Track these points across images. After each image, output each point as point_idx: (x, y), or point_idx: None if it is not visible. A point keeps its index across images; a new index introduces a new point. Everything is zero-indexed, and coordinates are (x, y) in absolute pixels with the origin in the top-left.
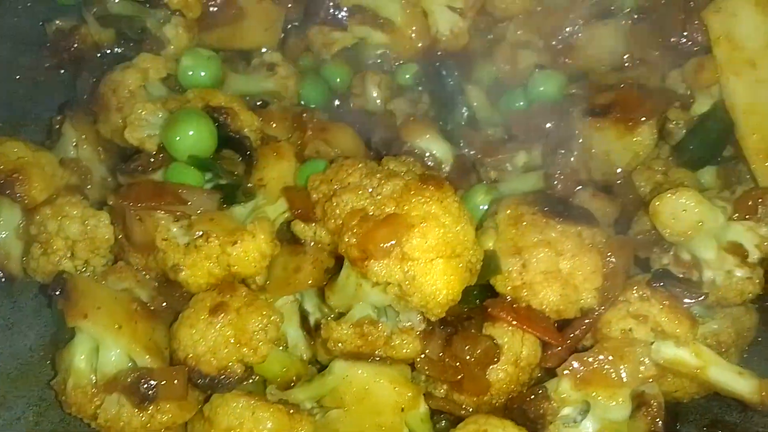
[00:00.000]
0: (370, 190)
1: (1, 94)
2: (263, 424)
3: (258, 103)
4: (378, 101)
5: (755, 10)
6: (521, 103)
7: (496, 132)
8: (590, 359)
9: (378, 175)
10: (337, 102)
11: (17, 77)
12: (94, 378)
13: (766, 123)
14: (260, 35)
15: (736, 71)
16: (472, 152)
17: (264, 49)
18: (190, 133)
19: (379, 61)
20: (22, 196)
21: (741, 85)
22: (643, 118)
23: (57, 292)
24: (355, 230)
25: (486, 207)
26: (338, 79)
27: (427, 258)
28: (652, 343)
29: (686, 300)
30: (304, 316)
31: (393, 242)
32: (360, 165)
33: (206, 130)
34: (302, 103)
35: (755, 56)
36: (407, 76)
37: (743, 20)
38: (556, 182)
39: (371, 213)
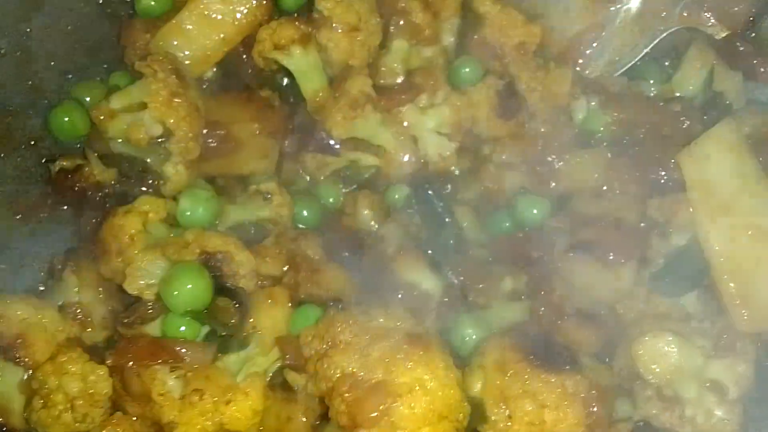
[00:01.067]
0: (360, 350)
1: (3, 232)
2: None
3: (252, 232)
4: (370, 221)
5: (727, 156)
6: (507, 225)
7: (484, 254)
8: None
9: (368, 336)
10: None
11: (18, 216)
12: None
13: (740, 269)
14: (256, 164)
15: (710, 216)
16: (460, 278)
17: (260, 177)
18: (188, 287)
19: (370, 180)
20: (25, 359)
21: (715, 231)
22: (622, 260)
23: None
24: (345, 396)
25: (473, 339)
26: (331, 199)
27: (415, 427)
28: None
29: None
30: None
31: (381, 409)
32: (351, 322)
33: (203, 284)
34: (298, 226)
35: (729, 201)
36: (397, 197)
37: (716, 164)
38: (541, 316)
39: (360, 377)
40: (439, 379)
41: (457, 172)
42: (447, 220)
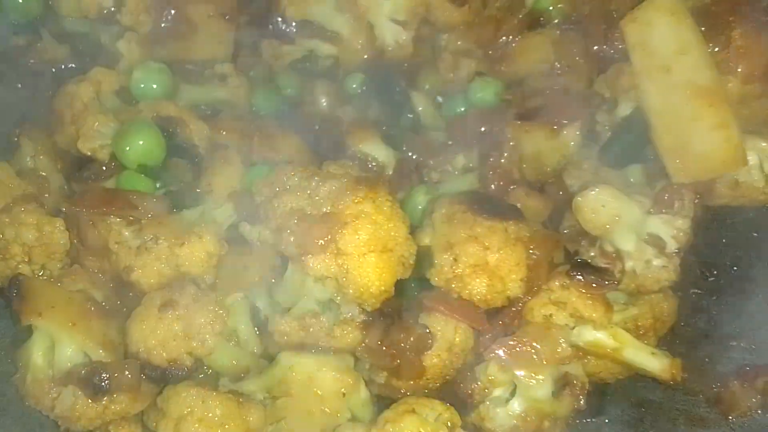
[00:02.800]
0: (309, 191)
1: None
2: (213, 411)
3: (209, 113)
4: (327, 108)
5: (669, 19)
6: (462, 109)
7: (439, 136)
8: (513, 343)
9: (316, 178)
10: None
11: None
12: (51, 372)
13: (676, 124)
14: (212, 48)
15: (650, 76)
16: (415, 156)
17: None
18: (140, 143)
19: (327, 70)
20: None
21: (655, 89)
22: (566, 121)
23: (13, 293)
24: (293, 228)
25: (424, 206)
26: (289, 89)
27: (360, 252)
28: (573, 328)
29: (600, 286)
30: (255, 313)
31: (327, 238)
32: (300, 169)
33: (155, 140)
34: (254, 110)
35: (668, 62)
36: (354, 85)
37: (657, 28)
38: (489, 182)
39: (308, 212)
40: (384, 213)
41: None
42: (404, 106)
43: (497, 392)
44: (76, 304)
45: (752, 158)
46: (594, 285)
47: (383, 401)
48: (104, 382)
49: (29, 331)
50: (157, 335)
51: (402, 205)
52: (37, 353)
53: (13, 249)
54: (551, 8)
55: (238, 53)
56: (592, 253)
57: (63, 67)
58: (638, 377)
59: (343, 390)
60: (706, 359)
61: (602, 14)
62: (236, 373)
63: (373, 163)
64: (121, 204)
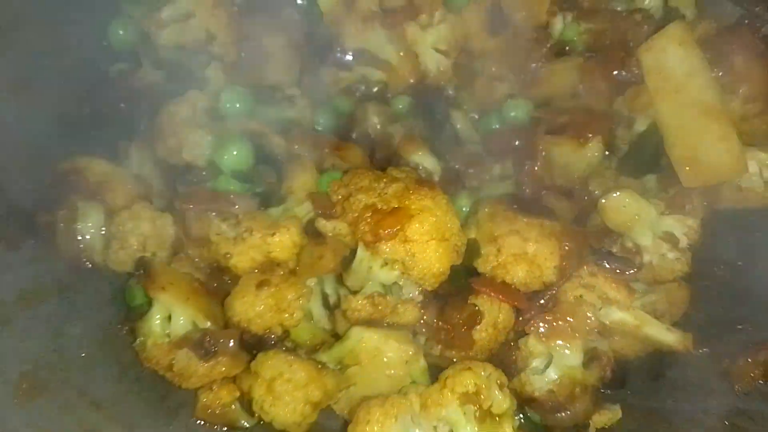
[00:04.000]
0: (379, 191)
1: (74, 126)
2: (298, 374)
3: (279, 129)
4: (378, 126)
5: (678, 48)
6: (496, 126)
7: (477, 149)
8: (550, 318)
9: (384, 180)
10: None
11: (86, 111)
12: (168, 339)
13: (686, 137)
14: (282, 74)
15: (663, 96)
16: (457, 165)
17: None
18: (234, 152)
19: (378, 93)
20: (107, 201)
21: (667, 108)
22: (590, 135)
23: (141, 271)
24: (368, 220)
25: (468, 209)
26: (345, 109)
27: (424, 240)
28: (600, 309)
29: (623, 273)
30: (325, 298)
31: (397, 228)
32: (369, 173)
33: (246, 149)
34: (317, 128)
35: (680, 84)
36: (401, 106)
37: (669, 56)
38: (525, 187)
39: (380, 207)
40: (442, 209)
41: (453, 87)
42: (446, 123)
43: (536, 362)
44: (187, 282)
45: (753, 167)
46: (618, 271)
47: (439, 371)
48: (212, 345)
49: (146, 306)
50: (256, 308)
51: None
52: (156, 322)
53: (131, 239)
54: (576, 38)
55: (302, 78)
56: (615, 249)
57: (159, 90)
58: (657, 355)
59: (405, 358)
60: (716, 341)
61: (620, 44)
62: (312, 347)
63: (423, 171)
64: (221, 202)
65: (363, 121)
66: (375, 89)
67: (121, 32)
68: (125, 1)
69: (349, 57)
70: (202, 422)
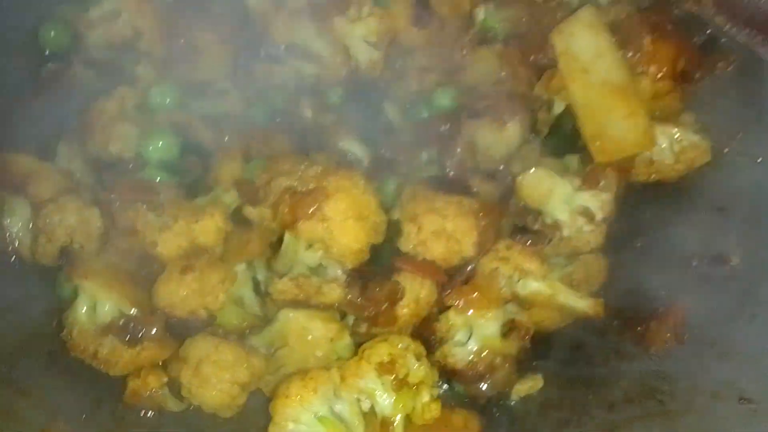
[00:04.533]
0: (299, 174)
1: (4, 122)
2: (225, 356)
3: (210, 123)
4: (311, 117)
5: (587, 31)
6: (425, 114)
7: (408, 137)
8: (466, 289)
9: (305, 163)
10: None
11: (17, 110)
12: (93, 326)
13: (596, 115)
14: (213, 69)
15: (573, 78)
16: (387, 154)
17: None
18: (159, 143)
19: (311, 86)
20: (32, 195)
21: (577, 87)
22: (508, 117)
23: (65, 260)
24: (287, 200)
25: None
26: (280, 102)
27: (341, 218)
28: (518, 281)
29: (535, 245)
30: (257, 285)
31: (315, 207)
32: (291, 158)
33: (171, 140)
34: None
35: (587, 65)
36: (334, 98)
37: (577, 38)
38: (449, 170)
39: (299, 189)
40: (359, 188)
41: (384, 78)
42: (378, 114)
43: (457, 335)
44: (112, 270)
45: (663, 141)
46: (529, 243)
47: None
48: (137, 331)
49: (73, 296)
50: (179, 293)
51: (377, 192)
52: (81, 311)
53: (58, 232)
54: (497, 26)
55: (235, 73)
56: (536, 226)
57: (91, 87)
58: (576, 326)
59: (330, 336)
60: (632, 309)
61: (537, 30)
62: (242, 331)
63: (351, 157)
64: (146, 191)
65: (296, 114)
66: (308, 82)
67: (52, 33)
68: (55, 2)
69: (280, 51)
70: (130, 408)
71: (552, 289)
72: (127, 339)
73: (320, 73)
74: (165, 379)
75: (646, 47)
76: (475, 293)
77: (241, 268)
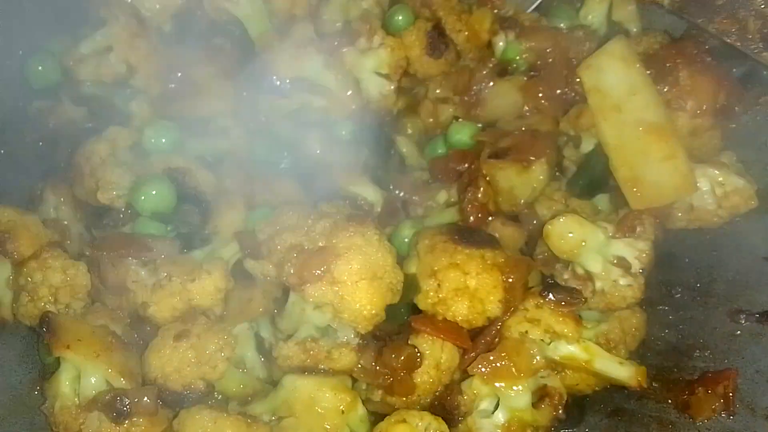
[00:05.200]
0: (305, 228)
1: None
2: (224, 431)
3: (213, 162)
4: (320, 154)
5: (618, 65)
6: (441, 150)
7: (422, 175)
8: (493, 357)
9: (312, 217)
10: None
11: (1, 151)
12: (77, 400)
13: (630, 157)
14: (214, 105)
15: (605, 116)
16: (402, 194)
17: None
18: (153, 192)
19: (319, 120)
20: (12, 253)
21: (609, 127)
22: (533, 158)
23: (44, 329)
24: (293, 261)
25: (410, 239)
26: (284, 138)
27: (353, 280)
28: (549, 344)
29: (570, 304)
30: (260, 342)
31: (323, 269)
32: (298, 209)
33: (166, 189)
34: (254, 158)
35: (620, 102)
36: (344, 133)
37: (608, 73)
38: (469, 214)
39: (306, 247)
40: (372, 245)
41: (396, 111)
42: (390, 150)
43: (482, 405)
44: (99, 337)
45: (704, 185)
46: (563, 303)
47: (380, 418)
48: (126, 406)
49: (56, 364)
50: (173, 363)
51: (390, 238)
52: (64, 383)
53: (41, 291)
54: (518, 58)
55: (238, 107)
56: (566, 276)
57: (81, 127)
58: (613, 389)
59: (342, 408)
60: (674, 369)
61: (563, 62)
62: (244, 397)
63: (363, 202)
64: (138, 247)
65: (304, 150)
66: (316, 116)
67: (39, 68)
68: (43, 36)
69: (286, 84)
70: None
71: (588, 354)
72: (114, 415)
73: (328, 107)
74: None
75: (682, 81)
76: (504, 362)
77: (243, 325)
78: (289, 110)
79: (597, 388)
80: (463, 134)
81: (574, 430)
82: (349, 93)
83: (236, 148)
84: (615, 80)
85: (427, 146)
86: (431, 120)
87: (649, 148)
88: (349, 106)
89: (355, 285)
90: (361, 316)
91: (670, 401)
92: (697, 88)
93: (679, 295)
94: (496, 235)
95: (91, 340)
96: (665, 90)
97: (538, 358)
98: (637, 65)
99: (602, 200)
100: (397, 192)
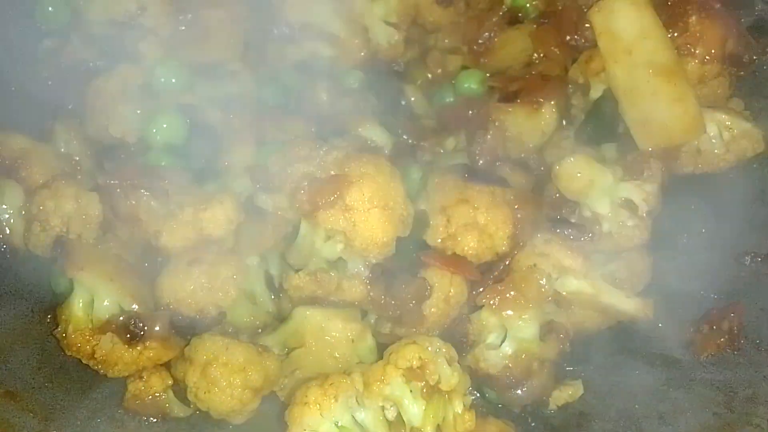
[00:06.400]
0: (318, 159)
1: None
2: (236, 357)
3: (220, 104)
4: (327, 102)
5: (629, 7)
6: (450, 98)
7: (431, 123)
8: (502, 288)
9: (324, 148)
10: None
11: (12, 88)
12: (90, 323)
13: (641, 100)
14: (223, 49)
15: (615, 59)
16: (410, 140)
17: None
18: (164, 126)
19: (327, 68)
20: (25, 179)
21: (620, 70)
22: (542, 100)
23: (59, 251)
24: (305, 189)
25: (419, 181)
26: (293, 85)
27: (365, 208)
28: (557, 279)
29: (577, 239)
30: (269, 279)
31: (336, 195)
32: (309, 142)
33: (178, 122)
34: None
35: (630, 45)
36: (352, 81)
37: (619, 16)
38: (478, 158)
39: (318, 175)
40: (384, 175)
41: (405, 60)
42: (399, 98)
43: (490, 337)
44: (112, 262)
45: (712, 129)
46: (572, 237)
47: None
48: (139, 329)
49: (68, 291)
50: (186, 288)
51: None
52: (77, 306)
53: (53, 220)
54: (528, 5)
55: (246, 54)
56: (573, 219)
57: (91, 65)
58: (619, 329)
59: (351, 337)
60: (679, 309)
61: (573, 8)
62: (254, 330)
63: (372, 145)
64: (150, 177)
65: (311, 98)
66: (324, 64)
67: (50, 8)
68: None
69: (294, 31)
70: (131, 414)
71: (595, 288)
72: (127, 337)
73: (337, 54)
74: (169, 382)
75: (692, 27)
76: (513, 292)
77: (253, 260)
78: (298, 58)
79: (603, 327)
80: (472, 81)
81: (580, 366)
82: (358, 41)
83: (245, 91)
84: (626, 23)
85: (435, 95)
86: (440, 70)
87: (660, 90)
88: (357, 54)
89: (368, 212)
90: (373, 243)
91: (675, 339)
92: (706, 35)
93: (684, 240)
94: (506, 178)
95: (105, 263)
96: (675, 35)
97: (546, 287)
98: (648, 9)
99: (609, 149)
100: (405, 138)
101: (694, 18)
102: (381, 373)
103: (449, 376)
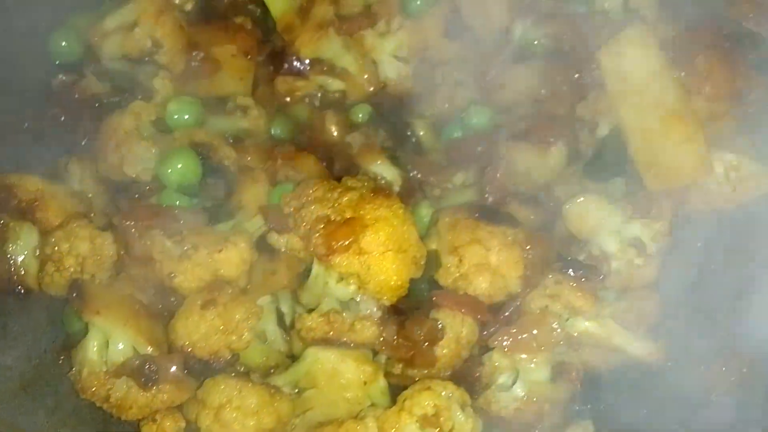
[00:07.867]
0: (332, 201)
1: (11, 141)
2: (248, 400)
3: (232, 141)
4: (337, 136)
5: (638, 49)
6: (458, 134)
7: (439, 158)
8: (514, 331)
9: (338, 190)
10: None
11: (25, 125)
12: (105, 367)
13: (649, 140)
14: (234, 84)
15: (624, 100)
16: (419, 175)
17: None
18: (179, 166)
19: (336, 102)
20: (40, 220)
21: (629, 111)
22: (552, 140)
23: (74, 294)
24: (320, 232)
25: (429, 219)
26: (302, 119)
27: (379, 251)
28: (567, 320)
29: (589, 281)
30: (280, 317)
31: (351, 239)
32: (323, 183)
33: (192, 162)
34: (272, 138)
35: (640, 86)
36: (361, 115)
37: (628, 58)
38: (487, 195)
39: (333, 218)
40: (399, 218)
41: (414, 95)
42: (407, 132)
43: (501, 378)
44: (127, 305)
45: (719, 168)
46: (583, 279)
47: (400, 391)
48: (153, 372)
49: (82, 333)
50: (200, 330)
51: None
52: (92, 349)
53: (67, 260)
54: (536, 43)
55: (256, 88)
56: (582, 257)
57: (104, 101)
58: (630, 366)
59: (364, 379)
60: (691, 347)
61: (581, 47)
62: (266, 369)
63: (383, 181)
64: (165, 217)
65: (321, 131)
66: (333, 98)
67: (63, 43)
68: (67, 10)
69: (305, 66)
70: None
71: (606, 330)
72: (142, 381)
73: (346, 89)
74: (182, 424)
75: (700, 67)
76: (525, 335)
77: (264, 299)
78: (307, 91)
79: (613, 366)
80: (480, 117)
81: (590, 406)
82: (367, 75)
83: (255, 127)
84: (634, 64)
85: (443, 130)
86: (447, 104)
87: (669, 131)
88: (366, 88)
89: (382, 256)
90: (387, 286)
91: (687, 378)
92: (714, 74)
93: (693, 276)
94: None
95: (120, 306)
96: (683, 75)
97: (558, 330)
98: (656, 50)
99: (617, 184)
100: (414, 173)
101: (701, 57)
102: (396, 419)
103: (463, 423)
